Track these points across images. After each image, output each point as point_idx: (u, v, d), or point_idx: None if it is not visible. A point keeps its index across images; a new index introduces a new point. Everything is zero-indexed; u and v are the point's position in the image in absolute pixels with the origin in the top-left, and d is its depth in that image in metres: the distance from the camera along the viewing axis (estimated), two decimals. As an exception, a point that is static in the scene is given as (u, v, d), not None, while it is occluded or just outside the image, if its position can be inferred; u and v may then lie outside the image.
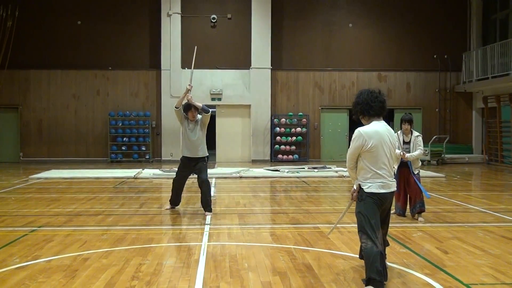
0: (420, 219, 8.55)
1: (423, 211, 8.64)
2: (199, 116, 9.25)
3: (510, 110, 19.37)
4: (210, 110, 9.46)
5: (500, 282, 5.42)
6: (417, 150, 8.53)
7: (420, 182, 8.54)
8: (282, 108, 22.07)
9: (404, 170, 8.67)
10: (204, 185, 9.10)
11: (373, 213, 5.09)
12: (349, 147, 5.27)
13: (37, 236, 7.47)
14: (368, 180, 5.12)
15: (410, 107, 22.16)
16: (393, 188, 5.20)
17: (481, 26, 22.17)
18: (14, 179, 14.97)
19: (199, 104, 9.16)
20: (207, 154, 9.37)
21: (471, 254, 6.47)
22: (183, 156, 9.36)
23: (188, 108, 9.13)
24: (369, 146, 5.08)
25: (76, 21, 21.63)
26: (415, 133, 8.71)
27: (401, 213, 8.92)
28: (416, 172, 8.65)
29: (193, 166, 9.26)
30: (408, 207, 8.91)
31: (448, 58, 22.21)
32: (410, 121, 8.68)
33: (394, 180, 5.27)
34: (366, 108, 5.20)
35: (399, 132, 8.73)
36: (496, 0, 21.45)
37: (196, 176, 9.33)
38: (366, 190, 5.11)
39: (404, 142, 8.68)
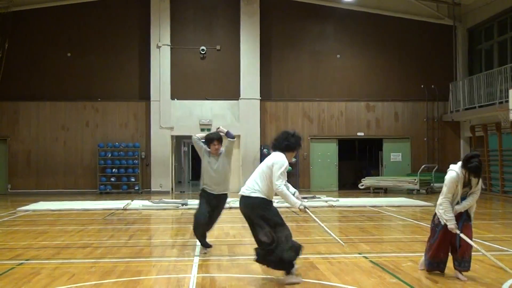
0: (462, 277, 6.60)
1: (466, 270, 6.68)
2: (222, 149, 8.55)
3: (497, 139, 19.56)
4: (235, 136, 8.91)
5: (490, 311, 5.40)
6: (469, 198, 6.48)
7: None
8: (271, 138, 22.02)
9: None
10: (211, 224, 8.59)
11: None
12: None
13: (24, 269, 7.38)
14: None
15: (398, 136, 22.35)
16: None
17: (467, 57, 22.53)
18: (1, 212, 14.82)
19: (224, 129, 8.60)
20: (229, 190, 8.63)
21: (460, 283, 6.46)
22: (203, 190, 8.50)
23: (211, 140, 8.40)
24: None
25: (65, 53, 21.75)
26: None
27: (440, 266, 6.76)
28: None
29: (215, 203, 8.40)
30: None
31: (435, 88, 22.49)
32: (475, 172, 6.27)
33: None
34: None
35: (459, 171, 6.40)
36: (481, 31, 21.85)
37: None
38: None
39: (464, 185, 6.44)
